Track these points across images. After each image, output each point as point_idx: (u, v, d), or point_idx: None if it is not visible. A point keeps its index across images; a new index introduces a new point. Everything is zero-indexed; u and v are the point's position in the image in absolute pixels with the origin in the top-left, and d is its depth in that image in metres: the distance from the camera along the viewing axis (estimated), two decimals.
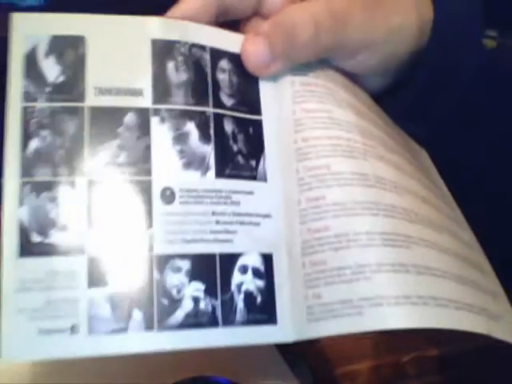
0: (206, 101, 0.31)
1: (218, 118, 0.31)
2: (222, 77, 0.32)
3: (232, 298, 0.30)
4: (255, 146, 0.32)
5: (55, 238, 0.28)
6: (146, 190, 0.29)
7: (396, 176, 0.32)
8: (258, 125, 0.32)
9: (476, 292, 0.31)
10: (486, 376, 0.35)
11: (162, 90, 0.30)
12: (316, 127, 0.32)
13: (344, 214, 0.30)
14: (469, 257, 0.33)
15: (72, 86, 0.29)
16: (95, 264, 0.28)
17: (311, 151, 0.32)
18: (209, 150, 0.30)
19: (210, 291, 0.29)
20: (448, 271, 0.31)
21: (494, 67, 0.39)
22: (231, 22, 0.34)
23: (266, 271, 0.31)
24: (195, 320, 0.29)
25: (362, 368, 0.55)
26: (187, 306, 0.29)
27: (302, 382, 0.49)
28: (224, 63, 0.32)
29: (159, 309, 0.28)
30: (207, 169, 0.30)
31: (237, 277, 0.30)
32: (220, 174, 0.30)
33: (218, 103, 0.31)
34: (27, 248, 0.27)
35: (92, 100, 0.29)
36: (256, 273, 0.30)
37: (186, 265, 0.29)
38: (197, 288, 0.29)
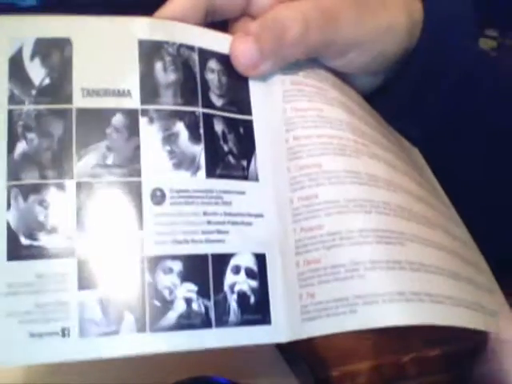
0: (196, 101, 0.31)
1: (208, 118, 0.31)
2: (212, 77, 0.32)
3: (225, 298, 0.29)
4: (246, 146, 0.32)
5: (44, 241, 0.27)
6: (135, 191, 0.29)
7: (389, 174, 0.32)
8: (249, 125, 0.32)
9: (472, 288, 0.31)
10: (487, 376, 0.34)
11: (150, 90, 0.30)
12: (307, 126, 0.32)
13: (337, 211, 0.30)
14: (464, 254, 0.33)
15: (58, 88, 0.29)
16: (85, 266, 0.28)
17: (302, 150, 0.31)
18: (199, 150, 0.30)
19: (202, 292, 0.29)
20: (443, 268, 0.30)
21: (484, 66, 0.39)
22: (219, 23, 0.34)
23: (259, 271, 0.30)
24: (188, 321, 0.28)
25: (361, 368, 0.55)
26: (179, 307, 0.28)
27: (302, 382, 0.49)
28: (213, 63, 0.32)
29: (151, 310, 0.28)
30: (198, 169, 0.30)
31: (229, 277, 0.30)
32: (211, 174, 0.30)
33: (208, 103, 0.31)
34: (16, 251, 0.27)
35: (79, 102, 0.29)
36: (249, 273, 0.30)
37: (177, 266, 0.29)
38: (189, 289, 0.29)
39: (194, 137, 0.31)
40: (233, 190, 0.31)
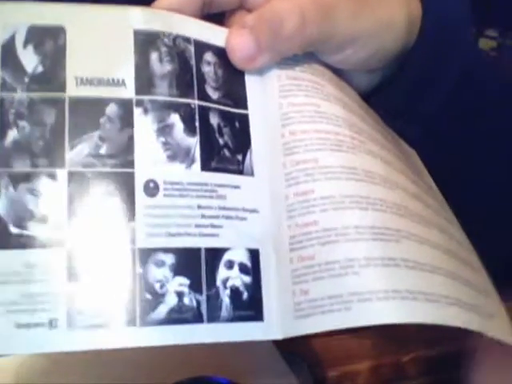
0: (191, 93, 0.31)
1: (204, 111, 0.31)
2: (208, 69, 0.31)
3: (217, 293, 0.29)
4: (242, 140, 0.32)
5: (33, 230, 0.27)
6: (128, 182, 0.29)
7: (386, 170, 0.32)
8: (245, 119, 0.32)
9: (467, 288, 0.31)
10: None
11: (145, 80, 0.30)
12: (303, 121, 0.32)
13: (332, 207, 0.30)
14: (460, 254, 0.33)
15: (51, 76, 0.29)
16: (75, 257, 0.27)
17: (299, 145, 0.31)
18: (194, 143, 0.30)
19: (194, 286, 0.29)
20: (439, 266, 0.30)
21: (483, 65, 0.39)
22: (216, 15, 0.34)
23: (253, 267, 0.30)
24: (179, 315, 0.28)
25: (362, 368, 0.55)
26: (171, 301, 0.28)
27: (302, 382, 0.49)
28: (209, 56, 0.32)
29: (142, 304, 0.28)
30: (192, 161, 0.30)
31: (222, 272, 0.30)
32: (206, 167, 0.30)
33: (204, 96, 0.31)
34: (4, 240, 0.27)
35: (73, 90, 0.29)
36: (242, 268, 0.30)
37: (169, 259, 0.28)
38: (181, 283, 0.28)
39: (189, 129, 0.30)
40: (228, 184, 0.31)
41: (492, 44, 0.63)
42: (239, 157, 0.31)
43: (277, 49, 0.32)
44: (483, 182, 0.41)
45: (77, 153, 0.29)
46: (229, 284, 0.29)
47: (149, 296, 0.28)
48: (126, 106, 0.29)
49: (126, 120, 0.29)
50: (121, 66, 0.30)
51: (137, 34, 0.30)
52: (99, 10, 0.30)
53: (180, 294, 0.28)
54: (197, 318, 0.28)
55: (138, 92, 0.30)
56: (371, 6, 0.34)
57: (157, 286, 0.28)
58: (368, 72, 0.37)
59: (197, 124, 0.31)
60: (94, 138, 0.29)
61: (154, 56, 0.31)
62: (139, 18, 0.31)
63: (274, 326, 0.30)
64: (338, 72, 0.36)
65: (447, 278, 0.30)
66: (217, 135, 0.31)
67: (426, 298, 0.29)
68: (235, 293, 0.29)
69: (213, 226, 0.30)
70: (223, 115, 0.32)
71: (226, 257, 0.30)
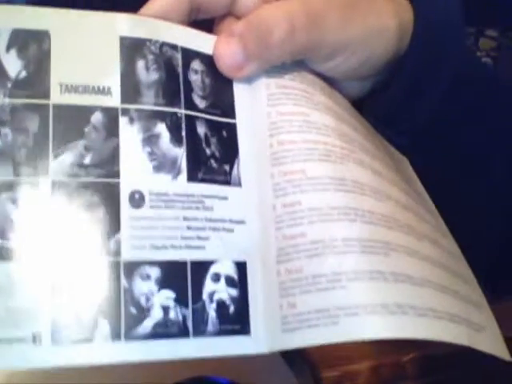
0: (178, 102, 0.30)
1: (190, 120, 0.30)
2: (195, 78, 0.31)
3: (203, 307, 0.29)
4: (229, 150, 0.31)
5: (15, 241, 0.27)
6: (113, 192, 0.28)
7: (375, 181, 0.32)
8: (232, 128, 0.32)
9: (457, 302, 0.31)
10: (487, 376, 0.34)
11: (131, 89, 0.30)
12: (292, 131, 0.31)
13: (320, 219, 0.30)
14: (450, 266, 0.33)
15: (35, 82, 0.28)
16: (58, 269, 0.27)
17: (287, 155, 0.31)
18: (180, 153, 0.30)
19: (180, 300, 0.29)
20: (428, 279, 0.30)
21: (475, 71, 0.38)
22: (204, 21, 0.33)
23: (240, 280, 0.30)
24: (164, 330, 0.28)
25: (362, 368, 0.55)
26: (156, 315, 0.28)
27: (302, 382, 0.49)
28: (196, 64, 0.31)
29: (127, 318, 0.27)
30: (179, 172, 0.30)
31: (209, 285, 0.29)
32: (192, 177, 0.30)
33: (190, 105, 0.31)
34: None
35: (57, 97, 0.28)
36: (229, 281, 0.30)
37: (155, 272, 0.28)
38: (167, 296, 0.28)
39: (176, 139, 0.30)
40: (214, 195, 0.30)
41: (492, 44, 0.63)
42: (226, 167, 0.31)
43: (265, 57, 0.32)
44: (473, 189, 0.41)
45: (61, 162, 0.28)
46: (215, 297, 0.29)
47: (134, 310, 0.28)
48: (111, 115, 0.29)
49: (112, 129, 0.29)
50: (106, 73, 0.30)
51: (123, 41, 0.30)
52: (85, 15, 0.30)
53: (166, 308, 0.28)
54: (182, 332, 0.28)
55: (123, 101, 0.29)
56: (361, 13, 0.34)
57: (142, 299, 0.28)
58: (359, 79, 0.37)
59: (183, 134, 0.30)
60: (78, 146, 0.29)
61: (140, 64, 0.30)
62: (125, 24, 0.30)
63: (260, 339, 0.30)
64: (328, 80, 0.36)
65: (437, 291, 0.30)
66: (204, 145, 0.31)
67: (414, 313, 0.29)
68: (222, 306, 0.29)
69: (199, 237, 0.30)
70: (210, 124, 0.31)
71: (213, 270, 0.30)
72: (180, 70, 0.31)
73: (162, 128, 0.30)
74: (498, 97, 0.41)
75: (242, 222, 0.31)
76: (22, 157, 0.28)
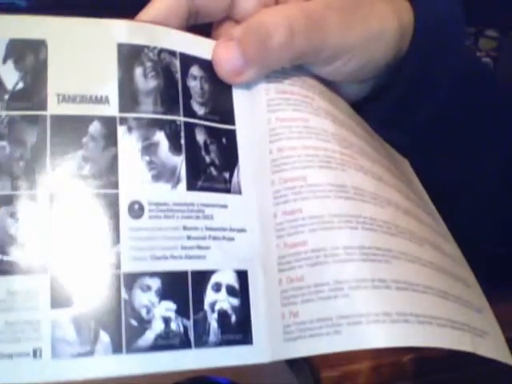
0: (177, 109, 0.30)
1: (190, 128, 0.30)
2: (194, 84, 0.31)
3: (205, 317, 0.29)
4: (229, 157, 0.31)
5: (15, 255, 0.27)
6: (112, 203, 0.28)
7: (376, 187, 0.32)
8: (232, 135, 0.31)
9: (459, 307, 0.31)
10: (487, 376, 0.34)
11: (129, 97, 0.30)
12: (292, 137, 0.31)
13: (321, 227, 0.30)
14: (452, 270, 0.33)
15: (32, 93, 0.28)
16: (58, 283, 0.27)
17: (287, 162, 0.31)
18: (179, 162, 0.30)
19: (181, 311, 0.29)
20: (430, 286, 0.30)
21: (476, 72, 0.38)
22: (202, 26, 0.33)
23: (241, 289, 0.30)
24: (166, 342, 0.28)
25: (362, 368, 0.56)
26: (157, 326, 0.28)
27: (302, 382, 0.49)
28: (195, 70, 0.31)
29: (128, 330, 0.27)
30: (178, 181, 0.29)
31: (210, 295, 0.30)
32: (192, 186, 0.30)
33: (189, 112, 0.30)
34: None
35: (54, 108, 0.28)
36: (230, 291, 0.30)
37: (155, 283, 0.28)
38: (167, 308, 0.28)
39: (175, 147, 0.30)
40: (214, 203, 0.30)
41: (492, 44, 0.63)
42: (226, 175, 0.31)
43: (264, 62, 0.32)
44: (474, 189, 0.41)
45: (59, 174, 0.28)
46: (216, 307, 0.29)
47: (135, 322, 0.28)
48: (109, 124, 0.29)
49: (110, 139, 0.29)
50: (104, 82, 0.29)
51: (120, 48, 0.30)
52: (82, 22, 0.30)
53: (167, 320, 0.28)
54: (184, 343, 0.28)
55: (121, 109, 0.29)
56: (361, 16, 0.33)
57: (143, 311, 0.28)
58: (359, 82, 0.36)
59: (182, 142, 0.30)
60: (76, 157, 0.29)
61: (138, 71, 0.30)
62: (123, 31, 0.30)
63: (263, 349, 0.30)
64: (328, 83, 0.35)
65: (439, 297, 0.31)
66: (203, 153, 0.31)
67: (417, 320, 0.29)
68: (223, 316, 0.29)
69: (199, 247, 0.30)
70: (210, 131, 0.31)
71: (214, 279, 0.30)
72: (178, 76, 0.31)
73: (160, 136, 0.30)
74: (498, 97, 0.41)
75: (242, 231, 0.31)
76: (19, 170, 0.28)
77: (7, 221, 0.27)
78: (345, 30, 0.33)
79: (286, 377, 0.48)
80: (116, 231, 0.28)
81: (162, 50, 0.31)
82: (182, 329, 0.28)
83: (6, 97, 0.28)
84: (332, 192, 0.31)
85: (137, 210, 0.29)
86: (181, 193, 0.30)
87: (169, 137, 0.30)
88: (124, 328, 0.27)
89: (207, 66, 0.32)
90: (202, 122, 0.31)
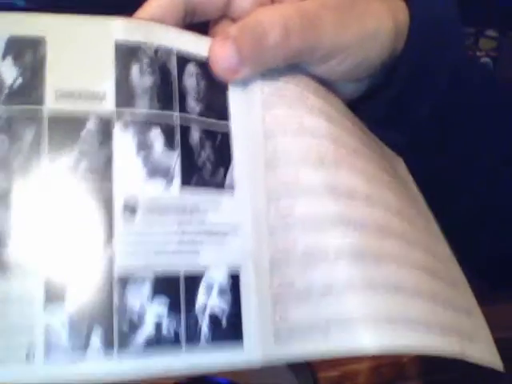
0: (172, 106, 0.31)
1: (185, 125, 0.31)
2: (190, 82, 0.31)
3: (196, 320, 0.29)
4: (223, 155, 0.32)
5: (7, 256, 0.27)
6: (106, 200, 0.29)
7: (369, 187, 0.32)
8: (227, 132, 0.32)
9: (449, 311, 0.31)
10: (487, 376, 0.34)
11: (125, 94, 0.30)
12: (286, 135, 0.31)
13: (313, 228, 0.30)
14: (443, 273, 0.33)
15: (31, 88, 0.29)
16: (51, 286, 0.27)
17: (280, 160, 0.31)
18: (174, 158, 0.30)
19: (172, 314, 0.29)
20: (419, 289, 0.31)
21: (472, 71, 0.38)
22: (200, 24, 0.34)
23: (232, 291, 0.31)
24: (157, 345, 0.28)
25: (362, 368, 0.56)
26: (149, 330, 0.28)
27: (302, 382, 0.49)
28: (191, 67, 0.32)
29: (119, 333, 0.28)
30: (172, 178, 0.30)
31: (201, 298, 0.30)
32: (186, 183, 0.30)
33: (185, 109, 0.31)
34: None
35: (52, 103, 0.29)
36: (221, 292, 0.30)
37: (147, 286, 0.29)
38: (159, 311, 0.29)
39: (170, 144, 0.30)
40: (208, 200, 0.30)
41: (492, 44, 0.63)
42: (221, 172, 0.32)
43: (260, 60, 0.32)
44: (471, 189, 0.41)
45: (55, 169, 0.29)
46: (207, 309, 0.30)
47: (126, 325, 0.28)
48: (106, 120, 0.30)
49: (106, 134, 0.30)
50: (102, 78, 0.30)
51: (118, 45, 0.30)
52: (80, 20, 0.30)
53: (158, 323, 0.29)
54: (175, 347, 0.29)
55: (118, 106, 0.30)
56: (357, 15, 0.34)
57: (134, 315, 0.28)
58: (354, 81, 0.37)
59: (177, 139, 0.31)
60: (73, 153, 0.29)
61: (135, 68, 0.31)
62: (121, 28, 0.31)
63: (253, 351, 0.30)
64: (323, 81, 0.36)
65: (428, 301, 0.31)
66: (198, 150, 0.31)
67: (406, 326, 0.29)
68: (214, 319, 0.30)
69: (193, 243, 0.30)
70: (205, 129, 0.31)
71: (205, 281, 0.30)
72: (175, 73, 0.32)
73: (156, 133, 0.30)
74: (497, 96, 0.41)
75: (235, 229, 0.31)
76: (17, 164, 0.28)
77: (2, 215, 0.27)
78: (340, 29, 0.33)
79: (286, 377, 0.49)
80: (109, 228, 0.29)
81: (158, 48, 0.31)
82: (173, 332, 0.29)
83: (5, 92, 0.29)
84: (324, 192, 0.31)
85: (131, 207, 0.29)
86: (175, 190, 0.30)
87: (164, 133, 0.31)
88: (116, 331, 0.28)
89: (203, 63, 0.33)
90: (198, 119, 0.32)
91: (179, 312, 0.29)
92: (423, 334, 0.29)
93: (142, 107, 0.31)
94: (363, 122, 0.38)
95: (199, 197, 0.31)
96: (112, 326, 0.28)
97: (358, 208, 0.31)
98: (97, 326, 0.27)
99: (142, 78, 0.31)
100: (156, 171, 0.30)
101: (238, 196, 0.32)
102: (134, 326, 0.28)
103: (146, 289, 0.29)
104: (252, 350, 0.30)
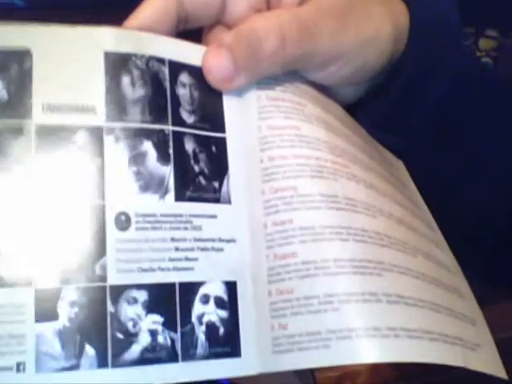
0: (165, 118, 0.30)
1: (178, 137, 0.30)
2: (183, 92, 0.31)
3: (193, 330, 0.29)
4: (219, 166, 0.31)
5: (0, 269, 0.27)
6: (98, 215, 0.28)
7: (368, 196, 0.32)
8: (222, 143, 0.31)
9: (452, 320, 0.31)
10: (487, 377, 0.34)
11: (116, 106, 0.30)
12: (283, 145, 0.31)
13: (312, 239, 0.30)
14: (445, 281, 0.32)
15: (17, 102, 0.29)
16: (43, 296, 0.27)
17: (277, 171, 0.31)
18: (168, 171, 0.29)
19: (168, 324, 0.29)
20: (422, 299, 0.30)
21: (472, 73, 0.38)
22: (193, 32, 0.33)
23: (230, 300, 0.30)
24: (153, 355, 0.28)
25: (362, 368, 0.56)
26: (144, 340, 0.28)
27: (302, 382, 0.49)
28: (184, 77, 0.31)
29: (113, 344, 0.28)
30: (166, 191, 0.29)
31: (198, 307, 0.30)
32: (180, 196, 0.30)
33: (178, 120, 0.30)
34: None
35: (39, 118, 0.29)
36: (219, 302, 0.30)
37: (142, 296, 0.28)
38: (154, 320, 0.29)
39: (163, 157, 0.30)
40: (203, 213, 0.30)
41: (492, 44, 0.63)
42: (216, 184, 0.31)
43: (256, 69, 0.32)
44: (472, 190, 0.40)
45: (44, 184, 0.28)
46: (204, 320, 0.29)
47: (121, 335, 0.28)
48: (96, 134, 0.29)
49: (96, 149, 0.29)
50: (91, 91, 0.29)
51: (107, 56, 0.30)
52: (67, 30, 0.30)
53: (153, 333, 0.28)
54: (171, 357, 0.29)
55: (108, 119, 0.29)
56: (355, 20, 0.33)
57: (129, 324, 0.28)
58: (353, 86, 0.36)
59: (171, 151, 0.30)
60: (62, 167, 0.29)
61: (125, 80, 0.30)
62: (110, 38, 0.30)
63: (251, 361, 0.30)
64: (321, 86, 0.35)
65: (431, 310, 0.31)
66: (192, 162, 0.30)
67: (407, 335, 0.29)
68: (211, 329, 0.30)
69: (187, 259, 0.29)
70: (199, 140, 0.31)
71: (202, 291, 0.30)
72: (167, 84, 0.31)
73: (148, 146, 0.30)
74: (497, 97, 0.40)
75: (232, 241, 0.31)
76: (4, 176, 0.28)
77: None
78: (338, 35, 0.33)
79: (286, 377, 0.48)
80: (102, 243, 0.28)
81: (150, 58, 0.31)
82: (169, 342, 0.29)
83: None
84: (323, 202, 0.31)
85: (123, 222, 0.29)
86: (169, 203, 0.30)
87: (157, 146, 0.30)
88: (110, 341, 0.28)
89: (197, 72, 0.32)
90: (191, 131, 0.31)
91: (175, 321, 0.29)
92: (425, 343, 0.29)
93: (134, 120, 0.30)
94: (362, 125, 0.37)
95: (194, 211, 0.30)
96: (106, 335, 0.27)
97: (358, 218, 0.31)
98: (91, 336, 0.27)
99: (133, 89, 0.30)
100: (149, 185, 0.30)
101: (234, 209, 0.31)
102: (129, 334, 0.28)
103: (142, 298, 0.28)
104: (250, 359, 0.30)
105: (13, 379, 0.26)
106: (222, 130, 0.32)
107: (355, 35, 0.33)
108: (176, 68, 0.32)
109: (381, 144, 0.39)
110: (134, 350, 0.28)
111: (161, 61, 0.31)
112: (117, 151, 0.29)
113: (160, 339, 0.28)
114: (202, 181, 0.31)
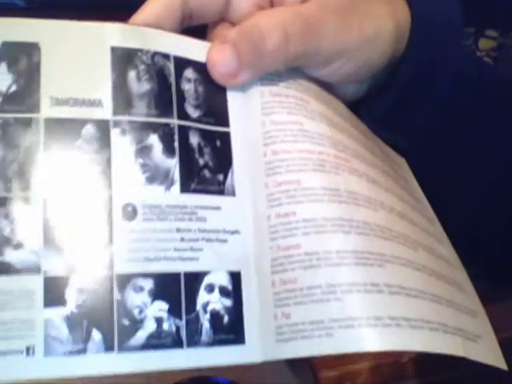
0: (170, 112, 0.31)
1: (183, 130, 0.31)
2: (188, 87, 0.31)
3: (197, 317, 0.30)
4: (223, 160, 0.32)
5: (9, 256, 0.28)
6: (105, 206, 0.29)
7: (370, 190, 0.32)
8: (226, 137, 0.32)
9: (452, 311, 0.31)
10: (487, 377, 0.35)
11: (122, 100, 0.30)
12: (286, 140, 0.32)
13: (314, 231, 0.31)
14: (446, 274, 0.33)
15: (25, 96, 0.29)
16: (52, 283, 0.28)
17: (281, 165, 0.32)
18: (173, 164, 0.30)
19: (174, 311, 0.30)
20: (423, 290, 0.31)
21: (475, 72, 0.38)
22: (198, 28, 0.34)
23: (234, 290, 0.31)
24: (158, 341, 0.29)
25: (362, 368, 0.56)
26: (150, 326, 0.29)
27: (302, 382, 0.49)
28: (189, 72, 0.32)
29: (120, 329, 0.29)
30: (171, 183, 0.30)
31: (203, 296, 0.31)
32: (185, 188, 0.30)
33: (183, 115, 0.31)
34: None
35: (47, 111, 0.29)
36: (223, 291, 0.31)
37: (148, 284, 0.29)
38: (160, 308, 0.29)
39: (168, 150, 0.30)
40: (208, 205, 0.31)
41: (492, 44, 0.63)
42: (220, 177, 0.32)
43: (259, 65, 0.32)
44: (473, 189, 0.41)
45: (52, 176, 0.29)
46: (209, 308, 0.30)
47: (127, 322, 0.29)
48: (102, 127, 0.30)
49: (103, 141, 0.30)
50: (98, 85, 0.30)
51: (114, 51, 0.31)
52: (75, 26, 0.31)
53: (159, 320, 0.29)
54: (176, 343, 0.29)
55: (115, 112, 0.30)
56: (358, 18, 0.34)
57: (135, 311, 0.29)
58: (356, 83, 0.37)
59: (176, 144, 0.31)
60: (69, 160, 0.30)
61: (131, 74, 0.31)
62: (116, 34, 0.31)
63: (255, 349, 0.31)
64: (324, 83, 0.36)
65: (432, 301, 0.31)
66: (197, 155, 0.31)
67: (409, 325, 0.29)
68: (216, 317, 0.31)
69: (192, 249, 0.30)
70: (204, 134, 0.32)
71: (207, 280, 0.30)
72: (172, 79, 0.32)
73: (154, 139, 0.31)
74: (498, 96, 0.41)
75: (236, 232, 0.32)
76: (13, 172, 0.29)
77: (1, 222, 0.28)
78: (340, 33, 0.33)
79: (286, 377, 0.49)
80: (109, 233, 0.29)
81: (155, 53, 0.32)
82: (174, 328, 0.29)
83: (0, 99, 0.29)
84: (325, 196, 0.31)
85: (130, 212, 0.30)
86: (174, 195, 0.31)
87: (162, 139, 0.31)
88: (116, 327, 0.29)
89: (201, 68, 0.33)
90: (196, 125, 0.32)
91: (180, 308, 0.30)
92: (426, 332, 0.30)
93: (140, 114, 0.31)
94: (365, 122, 0.38)
95: (198, 202, 0.31)
96: (113, 321, 0.28)
97: (360, 211, 0.32)
98: (98, 321, 0.28)
99: (139, 84, 0.31)
100: (155, 177, 0.31)
101: (238, 201, 0.32)
102: (135, 321, 0.29)
103: (148, 286, 0.29)
104: (253, 347, 0.31)
105: (22, 362, 0.27)
106: (227, 125, 0.33)
107: (357, 33, 0.34)
108: (181, 63, 0.33)
109: (383, 142, 0.39)
110: (140, 336, 0.29)
111: (166, 56, 0.32)
112: (123, 144, 0.30)
113: (165, 326, 0.29)
114: (207, 173, 0.32)
